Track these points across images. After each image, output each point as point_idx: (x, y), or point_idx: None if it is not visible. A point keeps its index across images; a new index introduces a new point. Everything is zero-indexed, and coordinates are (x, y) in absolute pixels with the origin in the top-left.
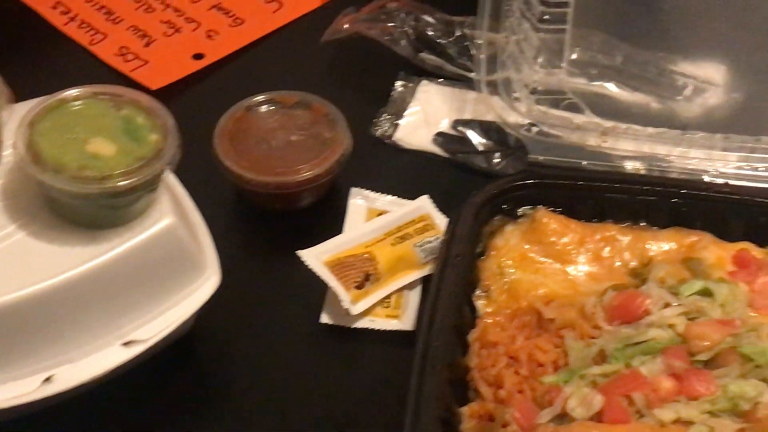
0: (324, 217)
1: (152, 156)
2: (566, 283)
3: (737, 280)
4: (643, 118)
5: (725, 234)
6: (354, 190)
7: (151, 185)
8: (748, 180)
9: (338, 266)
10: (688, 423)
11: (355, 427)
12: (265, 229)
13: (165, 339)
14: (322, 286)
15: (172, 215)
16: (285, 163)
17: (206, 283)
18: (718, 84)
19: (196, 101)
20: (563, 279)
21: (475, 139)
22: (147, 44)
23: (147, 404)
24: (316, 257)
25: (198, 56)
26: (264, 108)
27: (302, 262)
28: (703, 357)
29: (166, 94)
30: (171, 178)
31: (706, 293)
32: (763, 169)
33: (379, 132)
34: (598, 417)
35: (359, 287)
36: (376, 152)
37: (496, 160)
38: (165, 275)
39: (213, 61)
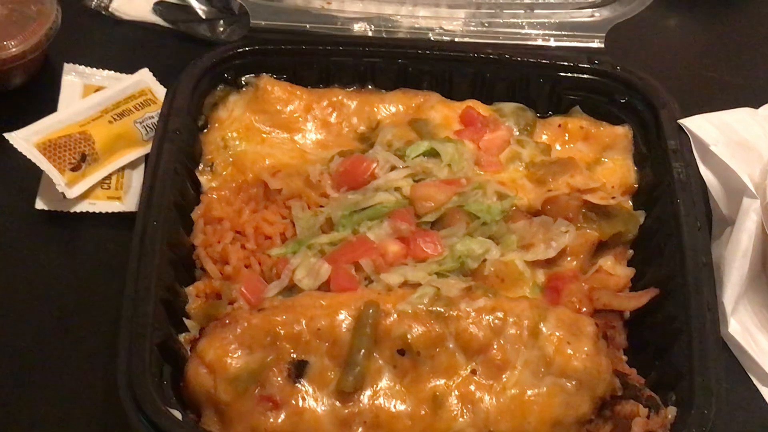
0: (37, 97)
1: None
2: (294, 152)
3: (464, 139)
4: None
5: (452, 93)
6: (68, 66)
7: None
8: (475, 36)
9: (51, 148)
10: (416, 285)
11: (78, 316)
12: None
13: None
14: (35, 171)
15: None
16: None
17: None
18: None
19: None
20: (291, 148)
21: (198, 6)
22: None
23: None
24: (25, 139)
25: None
26: None
27: (13, 146)
28: (429, 218)
29: None
30: None
31: (432, 154)
32: (489, 24)
33: (94, 3)
34: (326, 286)
35: (75, 169)
36: (92, 25)
37: (220, 29)
38: None
39: None
